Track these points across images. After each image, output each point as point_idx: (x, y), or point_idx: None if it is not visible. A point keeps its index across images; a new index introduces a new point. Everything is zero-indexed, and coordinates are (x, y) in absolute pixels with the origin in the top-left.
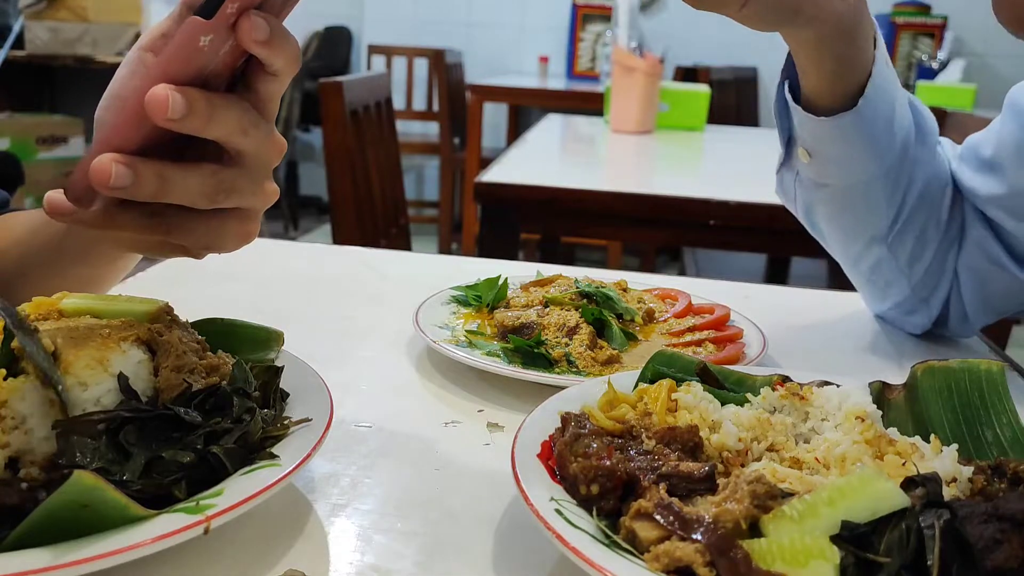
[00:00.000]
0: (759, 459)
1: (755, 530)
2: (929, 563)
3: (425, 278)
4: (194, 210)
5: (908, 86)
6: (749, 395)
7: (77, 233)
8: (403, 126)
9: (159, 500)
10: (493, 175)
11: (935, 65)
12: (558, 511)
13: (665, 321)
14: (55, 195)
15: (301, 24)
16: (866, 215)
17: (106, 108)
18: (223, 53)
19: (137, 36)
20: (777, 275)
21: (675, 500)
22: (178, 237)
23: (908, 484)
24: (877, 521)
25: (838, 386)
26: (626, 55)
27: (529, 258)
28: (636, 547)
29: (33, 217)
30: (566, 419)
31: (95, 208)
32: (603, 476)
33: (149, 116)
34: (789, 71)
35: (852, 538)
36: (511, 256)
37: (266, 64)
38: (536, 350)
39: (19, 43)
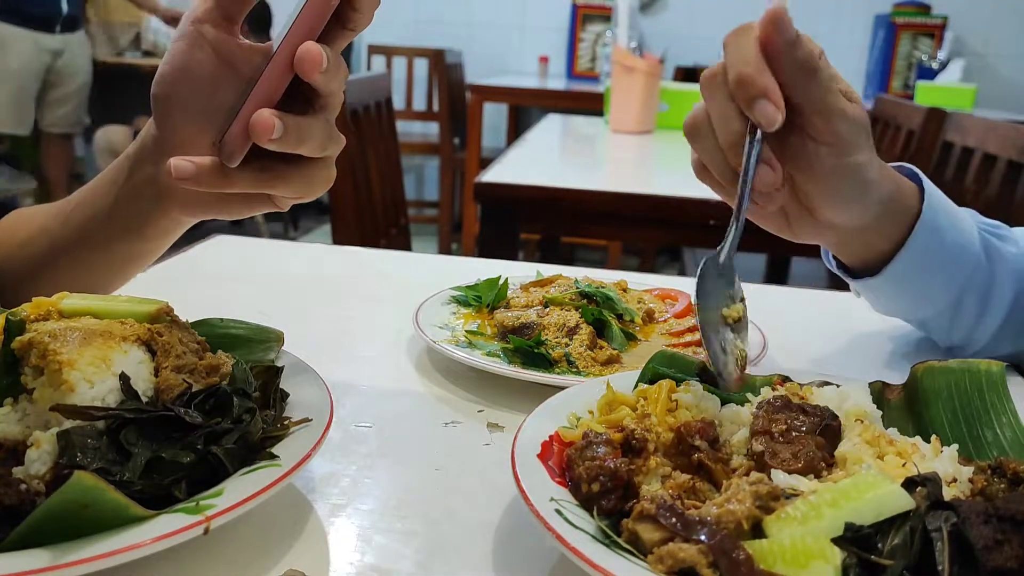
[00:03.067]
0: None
1: (759, 531)
2: (940, 568)
3: (425, 278)
4: (292, 162)
5: (908, 86)
6: (749, 395)
7: (126, 209)
8: (403, 126)
9: (159, 500)
10: (493, 175)
11: (935, 65)
12: (558, 511)
13: (665, 321)
14: (179, 160)
15: None
16: (932, 335)
17: (171, 83)
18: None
19: (137, 36)
20: (777, 275)
21: (677, 502)
22: (281, 188)
23: (908, 484)
24: (881, 522)
25: (838, 386)
26: (626, 55)
27: (529, 258)
28: (639, 549)
29: (60, 205)
30: (587, 435)
31: (234, 164)
32: (605, 476)
33: (299, 69)
34: None
35: (855, 539)
36: (511, 256)
37: (354, 22)
38: (536, 350)
39: None
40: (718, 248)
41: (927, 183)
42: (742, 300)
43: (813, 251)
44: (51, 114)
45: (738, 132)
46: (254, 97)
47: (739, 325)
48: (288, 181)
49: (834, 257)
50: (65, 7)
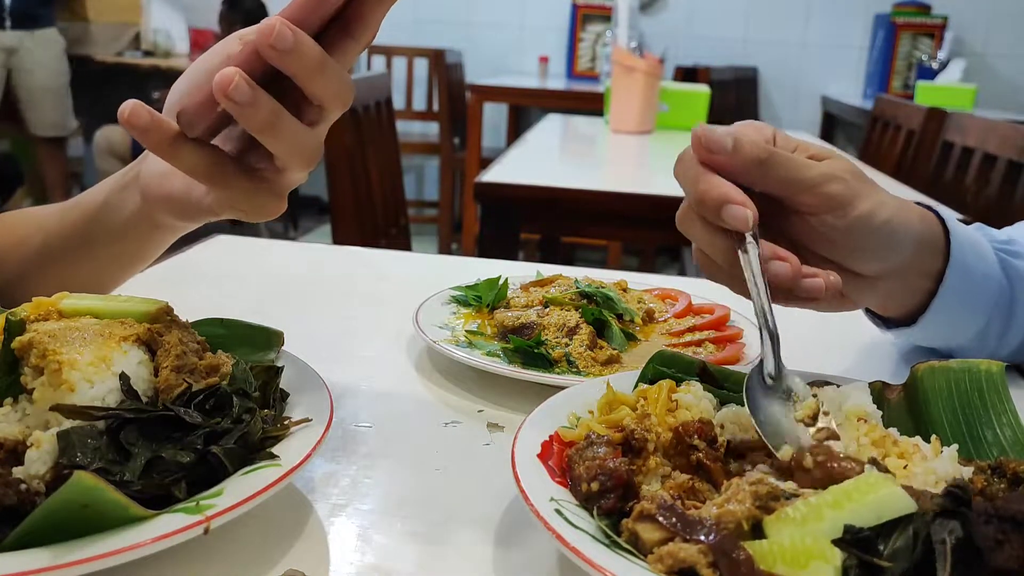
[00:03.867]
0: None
1: (759, 531)
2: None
3: (425, 278)
4: (246, 173)
5: (908, 86)
6: None
7: (113, 210)
8: (403, 126)
9: (159, 500)
10: (493, 175)
11: (935, 65)
12: (558, 511)
13: (665, 321)
14: (137, 105)
15: None
16: (968, 354)
17: (183, 81)
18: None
19: (137, 36)
20: None
21: (677, 502)
22: (221, 187)
23: (947, 494)
24: (884, 525)
25: (838, 386)
26: (626, 55)
27: (529, 258)
28: (639, 549)
29: (58, 207)
30: (589, 435)
31: (192, 135)
32: (604, 474)
33: (263, 49)
34: None
35: (856, 541)
36: (511, 256)
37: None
38: (536, 350)
39: None
40: (757, 361)
41: (947, 215)
42: (814, 396)
43: None
44: (32, 117)
45: (730, 249)
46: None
47: (817, 422)
48: (234, 186)
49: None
50: (9, 1)
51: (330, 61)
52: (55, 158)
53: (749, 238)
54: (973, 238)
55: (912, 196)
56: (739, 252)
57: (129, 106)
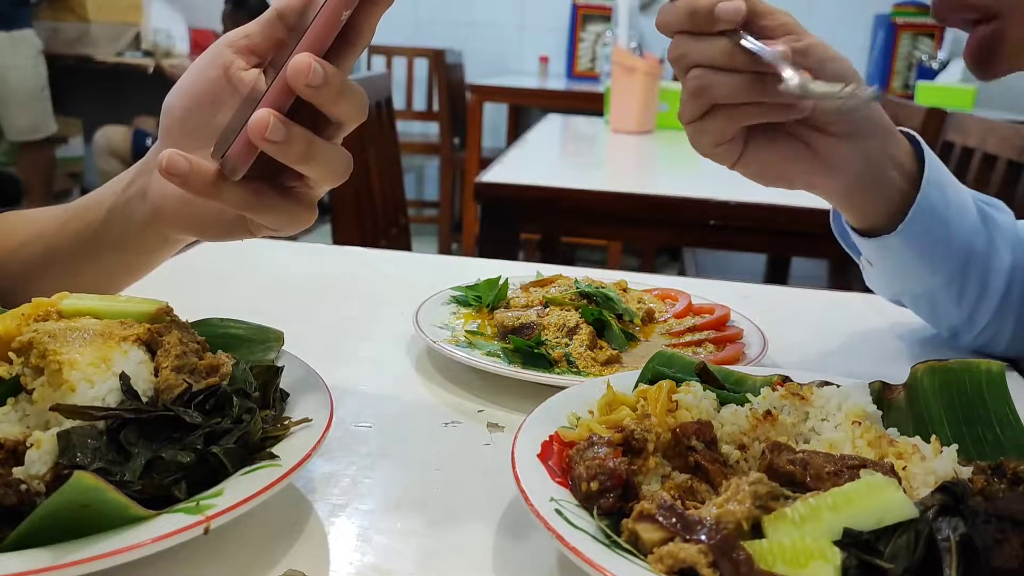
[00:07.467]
0: (760, 458)
1: (759, 531)
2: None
3: (425, 278)
4: (282, 193)
5: (908, 86)
6: (749, 395)
7: (118, 221)
8: (403, 126)
9: (159, 500)
10: (493, 175)
11: (935, 65)
12: (558, 511)
13: (665, 321)
14: (174, 154)
15: None
16: (939, 315)
17: (178, 94)
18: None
19: (137, 36)
20: (777, 275)
21: (677, 502)
22: (266, 216)
23: (940, 490)
24: (884, 526)
25: (838, 386)
26: (626, 55)
27: (529, 258)
28: (639, 549)
29: (59, 211)
30: (591, 436)
31: (236, 179)
32: (604, 474)
33: (291, 83)
34: None
35: (856, 542)
36: (511, 256)
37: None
38: (536, 350)
39: None
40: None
41: (923, 143)
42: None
43: (813, 251)
44: (7, 121)
45: (726, 52)
46: (261, 104)
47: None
48: (274, 211)
49: (846, 223)
50: None
51: (348, 83)
52: (35, 161)
53: (743, 33)
54: (948, 172)
55: None
56: (739, 44)
57: (167, 156)
